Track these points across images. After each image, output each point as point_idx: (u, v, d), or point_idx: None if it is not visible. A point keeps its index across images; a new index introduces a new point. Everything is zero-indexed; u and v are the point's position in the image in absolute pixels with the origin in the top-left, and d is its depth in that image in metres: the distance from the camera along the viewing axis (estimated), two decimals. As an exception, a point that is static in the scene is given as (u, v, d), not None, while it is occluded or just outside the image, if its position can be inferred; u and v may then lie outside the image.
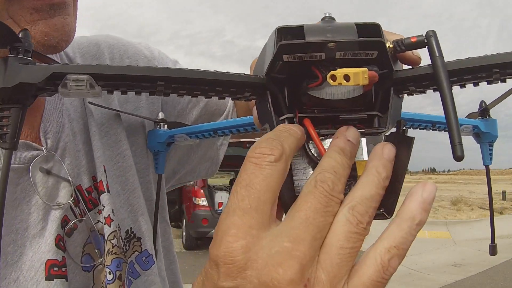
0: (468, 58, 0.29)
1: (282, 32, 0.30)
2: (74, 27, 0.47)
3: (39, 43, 0.43)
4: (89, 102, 0.57)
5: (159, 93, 0.33)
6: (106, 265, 0.53)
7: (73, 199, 0.52)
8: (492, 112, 0.60)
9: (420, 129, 0.57)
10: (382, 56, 0.30)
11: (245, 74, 0.33)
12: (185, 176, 0.76)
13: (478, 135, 0.59)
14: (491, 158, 0.59)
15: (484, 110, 0.59)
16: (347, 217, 0.26)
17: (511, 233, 7.67)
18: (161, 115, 0.63)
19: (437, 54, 0.29)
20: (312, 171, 0.32)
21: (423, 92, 0.32)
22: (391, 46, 0.31)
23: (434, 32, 0.30)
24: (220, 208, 7.20)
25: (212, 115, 0.72)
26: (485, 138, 0.59)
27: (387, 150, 0.29)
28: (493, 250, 0.59)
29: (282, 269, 0.23)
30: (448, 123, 0.27)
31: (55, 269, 0.48)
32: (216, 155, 0.78)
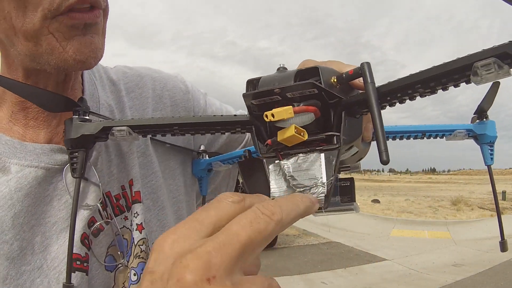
0: (397, 79, 0.36)
1: (249, 83, 0.41)
2: (102, 46, 0.51)
3: (71, 57, 0.48)
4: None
5: (177, 134, 0.50)
6: (132, 267, 0.57)
7: (101, 203, 0.57)
8: (493, 112, 0.61)
9: (413, 139, 0.61)
10: (322, 91, 0.37)
11: (235, 115, 0.47)
12: (210, 195, 0.84)
13: (475, 137, 0.60)
14: (492, 158, 0.60)
15: (480, 113, 0.60)
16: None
17: (511, 233, 7.66)
18: (202, 147, 0.76)
19: (369, 81, 0.36)
20: (283, 181, 0.41)
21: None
22: (335, 80, 0.39)
23: (368, 63, 0.37)
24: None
25: (235, 142, 0.83)
26: (483, 140, 0.60)
27: (303, 206, 0.34)
28: (503, 246, 0.59)
29: None
30: (375, 136, 0.34)
31: (78, 262, 0.53)
32: (233, 171, 0.89)
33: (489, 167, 0.60)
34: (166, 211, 0.66)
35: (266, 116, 0.37)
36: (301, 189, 0.39)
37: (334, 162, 0.39)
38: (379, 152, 0.34)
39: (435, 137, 0.60)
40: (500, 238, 0.60)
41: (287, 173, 0.40)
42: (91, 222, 0.56)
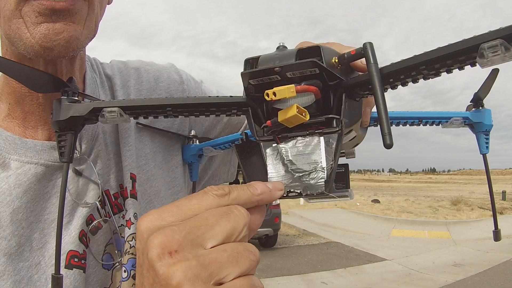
0: (401, 60, 0.35)
1: (247, 62, 0.40)
2: (80, 35, 0.49)
3: (37, 43, 0.46)
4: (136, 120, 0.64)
5: (170, 116, 0.46)
6: (123, 263, 0.57)
7: (99, 201, 0.57)
8: (493, 112, 0.60)
9: (409, 125, 0.60)
10: (323, 70, 0.36)
11: (231, 96, 0.44)
12: (209, 181, 0.84)
13: (471, 126, 0.60)
14: (487, 147, 0.59)
15: (476, 101, 0.60)
16: None
17: (511, 233, 7.68)
18: (193, 132, 0.74)
19: (371, 61, 0.35)
20: (281, 166, 0.40)
21: (372, 94, 0.37)
22: (336, 60, 0.38)
23: (370, 43, 0.36)
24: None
25: (234, 128, 0.82)
26: (479, 128, 0.59)
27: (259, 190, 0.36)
28: (496, 235, 0.59)
29: None
30: (379, 118, 0.33)
31: (75, 259, 0.53)
32: (233, 159, 0.88)
33: (484, 156, 0.60)
34: (162, 199, 0.66)
35: (267, 94, 0.35)
36: (300, 174, 0.38)
37: (334, 146, 0.38)
38: (382, 135, 0.33)
39: (431, 124, 0.59)
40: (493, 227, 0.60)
41: (285, 157, 0.39)
42: (89, 220, 0.56)
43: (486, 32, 0.30)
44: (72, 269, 0.52)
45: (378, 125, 0.34)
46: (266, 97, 0.36)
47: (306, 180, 0.38)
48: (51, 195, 0.54)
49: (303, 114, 0.36)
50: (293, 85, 0.36)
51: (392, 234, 9.99)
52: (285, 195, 0.38)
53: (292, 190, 0.39)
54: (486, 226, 9.60)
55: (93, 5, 0.51)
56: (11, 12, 0.46)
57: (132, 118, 0.48)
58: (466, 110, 0.61)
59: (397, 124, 0.59)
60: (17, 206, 0.50)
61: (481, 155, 0.60)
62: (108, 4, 0.58)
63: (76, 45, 0.49)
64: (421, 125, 0.60)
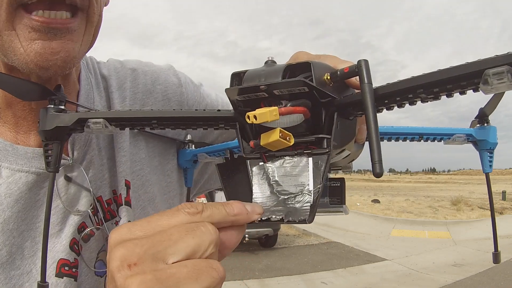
0: (397, 81, 0.32)
1: (234, 76, 0.38)
2: (77, 54, 0.48)
3: (32, 62, 0.45)
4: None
5: (156, 128, 0.45)
6: None
7: (92, 208, 0.56)
8: (493, 112, 0.59)
9: (409, 141, 0.58)
10: (312, 89, 0.34)
11: (218, 110, 0.43)
12: (204, 184, 0.83)
13: (475, 143, 0.58)
14: (491, 166, 0.57)
15: (482, 117, 0.58)
16: None
17: (511, 233, 7.67)
18: (189, 137, 0.72)
19: (365, 81, 0.32)
20: (267, 186, 0.38)
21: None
22: (328, 77, 0.35)
23: (366, 61, 0.33)
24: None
25: (232, 133, 0.79)
26: (483, 146, 0.57)
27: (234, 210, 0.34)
28: (496, 258, 0.57)
29: None
30: (369, 144, 0.31)
31: (66, 268, 0.52)
32: None
33: (487, 175, 0.58)
34: (156, 205, 0.65)
35: (248, 117, 0.33)
36: (286, 196, 0.36)
37: (322, 168, 0.36)
38: (372, 163, 0.30)
39: (433, 140, 0.58)
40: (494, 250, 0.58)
41: (271, 177, 0.38)
42: (81, 227, 0.55)
43: (491, 57, 0.27)
44: (62, 278, 0.52)
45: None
46: (247, 120, 0.33)
47: (291, 204, 0.36)
48: (42, 202, 0.52)
49: (287, 139, 0.34)
50: (276, 107, 0.34)
51: (392, 234, 9.98)
52: (264, 218, 0.36)
53: (272, 216, 0.37)
54: (486, 226, 9.58)
55: (92, 17, 0.49)
56: (2, 23, 0.44)
57: (118, 129, 0.48)
58: (470, 126, 0.59)
59: (397, 140, 0.57)
60: (8, 216, 0.50)
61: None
62: (105, 6, 0.56)
63: (73, 63, 0.48)
64: (421, 141, 0.58)
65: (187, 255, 0.30)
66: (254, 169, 0.39)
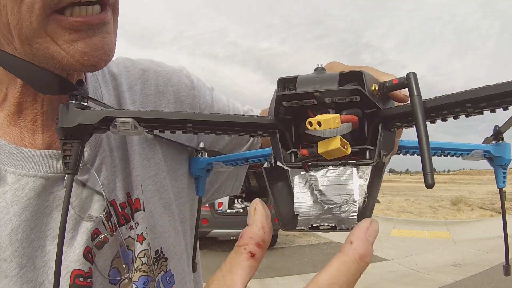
0: (445, 95, 0.32)
1: (281, 82, 0.35)
2: (114, 45, 0.48)
3: (78, 62, 0.44)
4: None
5: (189, 132, 0.42)
6: (134, 281, 0.53)
7: (105, 213, 0.53)
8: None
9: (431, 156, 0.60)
10: (365, 99, 0.34)
11: (258, 116, 0.41)
12: (214, 194, 0.80)
13: (491, 159, 0.61)
14: (504, 181, 0.60)
15: (497, 134, 0.60)
16: None
17: (511, 233, 7.67)
18: (202, 145, 0.70)
19: (415, 94, 0.32)
20: (309, 195, 0.37)
21: (410, 126, 0.35)
22: (376, 88, 0.35)
23: (414, 74, 0.33)
24: (220, 208, 7.19)
25: (240, 142, 0.78)
26: (498, 162, 0.60)
27: (372, 231, 0.29)
28: (507, 270, 0.59)
29: None
30: (421, 156, 0.31)
31: (81, 279, 0.49)
32: (240, 172, 0.84)
33: (500, 190, 0.60)
34: (171, 213, 0.62)
35: (310, 123, 0.32)
36: (330, 206, 0.36)
37: (369, 179, 0.36)
38: (424, 175, 0.31)
39: (453, 155, 0.60)
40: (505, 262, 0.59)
41: (314, 187, 0.37)
42: (94, 234, 0.52)
43: None
44: None
45: (406, 154, 0.32)
46: (309, 126, 0.32)
47: (337, 213, 0.36)
48: (52, 209, 0.50)
49: (345, 147, 0.33)
50: (338, 115, 0.33)
51: (392, 234, 9.98)
52: (315, 225, 0.36)
53: (323, 223, 0.36)
54: (486, 226, 9.60)
55: (117, 8, 0.49)
56: (33, 32, 0.42)
57: (147, 131, 0.44)
58: (483, 142, 0.62)
59: (419, 154, 0.59)
60: (16, 225, 0.47)
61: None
62: None
63: (113, 55, 0.47)
64: (442, 156, 0.60)
65: None
66: (295, 178, 0.38)
